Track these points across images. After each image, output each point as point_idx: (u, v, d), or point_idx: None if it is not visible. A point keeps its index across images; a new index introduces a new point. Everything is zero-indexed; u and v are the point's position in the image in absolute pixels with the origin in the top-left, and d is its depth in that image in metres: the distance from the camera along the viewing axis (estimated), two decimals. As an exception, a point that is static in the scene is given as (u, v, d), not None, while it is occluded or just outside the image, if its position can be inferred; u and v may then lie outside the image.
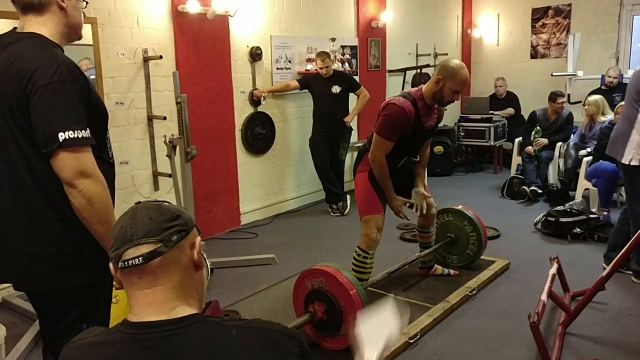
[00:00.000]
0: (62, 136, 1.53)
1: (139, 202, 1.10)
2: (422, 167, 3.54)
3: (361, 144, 6.40)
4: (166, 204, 1.09)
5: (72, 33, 1.74)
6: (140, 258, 1.00)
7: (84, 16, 1.79)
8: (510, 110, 7.49)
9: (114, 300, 3.00)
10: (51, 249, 1.66)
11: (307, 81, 5.46)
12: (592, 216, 4.61)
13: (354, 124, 5.84)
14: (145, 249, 1.01)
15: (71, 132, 1.54)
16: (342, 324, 2.74)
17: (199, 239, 1.10)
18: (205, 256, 1.13)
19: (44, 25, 1.65)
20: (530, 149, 6.07)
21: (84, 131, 1.57)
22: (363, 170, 3.31)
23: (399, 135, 3.07)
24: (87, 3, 1.81)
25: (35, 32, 1.64)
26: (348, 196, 5.66)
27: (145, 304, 1.02)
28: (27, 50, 1.59)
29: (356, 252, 3.28)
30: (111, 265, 1.56)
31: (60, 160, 1.55)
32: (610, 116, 5.44)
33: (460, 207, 3.95)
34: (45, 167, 1.58)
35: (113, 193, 1.74)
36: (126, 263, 1.01)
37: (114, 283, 1.74)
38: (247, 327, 1.02)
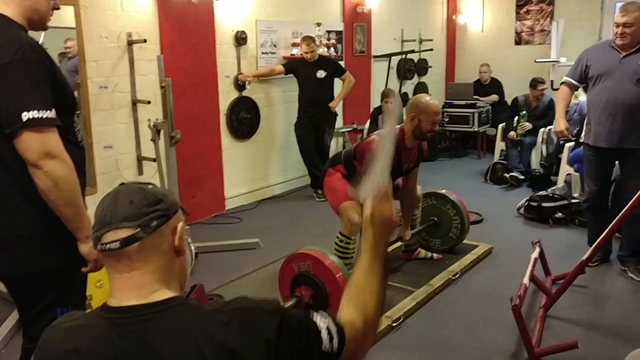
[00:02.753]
0: (25, 115, 1.49)
1: (123, 183, 1.09)
2: (408, 209, 3.62)
3: (346, 129, 6.44)
4: (150, 186, 1.07)
5: (36, 19, 1.69)
6: (117, 242, 0.99)
7: (55, 7, 1.74)
8: (494, 97, 7.54)
9: (97, 284, 3.00)
10: (21, 232, 1.64)
11: (292, 66, 5.44)
12: (573, 201, 4.68)
13: (338, 109, 5.84)
14: (123, 233, 1.00)
15: (35, 111, 1.50)
16: (327, 308, 2.77)
17: (180, 224, 1.08)
18: (189, 240, 1.13)
19: (6, 4, 1.61)
20: (512, 133, 6.14)
21: (48, 111, 1.53)
22: (332, 173, 3.39)
23: None
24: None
25: None
26: (333, 181, 5.68)
27: (124, 287, 1.02)
28: None
29: (338, 237, 3.29)
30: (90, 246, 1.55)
31: (24, 141, 1.51)
32: (582, 97, 5.46)
33: (443, 191, 3.99)
34: (11, 148, 1.54)
35: (83, 177, 1.72)
36: (104, 246, 1.01)
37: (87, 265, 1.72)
38: (224, 310, 1.00)
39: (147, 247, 1.01)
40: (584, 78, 3.61)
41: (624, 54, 3.40)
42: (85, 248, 1.67)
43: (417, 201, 3.68)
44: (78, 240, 1.66)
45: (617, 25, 3.36)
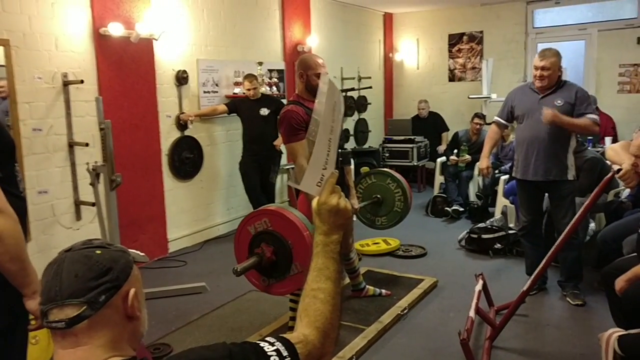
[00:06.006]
0: None
1: (68, 250, 1.02)
2: (349, 175, 3.63)
3: (291, 166, 6.46)
4: (98, 251, 1.00)
5: None
6: (62, 322, 0.94)
7: None
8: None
9: (32, 341, 2.82)
10: None
11: (235, 104, 5.44)
12: (510, 232, 4.87)
13: (283, 147, 5.87)
14: (70, 311, 0.94)
15: None
16: (292, 261, 2.67)
17: (132, 290, 1.01)
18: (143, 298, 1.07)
19: None
20: (453, 158, 6.35)
21: None
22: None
23: (303, 132, 3.09)
24: None
25: None
26: (278, 219, 5.65)
27: None
28: None
29: None
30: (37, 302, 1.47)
31: None
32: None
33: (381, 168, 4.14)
34: None
35: (25, 229, 1.64)
36: (50, 324, 0.96)
37: (31, 322, 1.63)
38: None
39: (96, 323, 0.96)
40: (511, 118, 3.90)
41: (542, 95, 3.67)
42: (32, 304, 1.57)
43: (349, 246, 3.67)
44: (24, 296, 1.57)
45: (537, 69, 3.62)
